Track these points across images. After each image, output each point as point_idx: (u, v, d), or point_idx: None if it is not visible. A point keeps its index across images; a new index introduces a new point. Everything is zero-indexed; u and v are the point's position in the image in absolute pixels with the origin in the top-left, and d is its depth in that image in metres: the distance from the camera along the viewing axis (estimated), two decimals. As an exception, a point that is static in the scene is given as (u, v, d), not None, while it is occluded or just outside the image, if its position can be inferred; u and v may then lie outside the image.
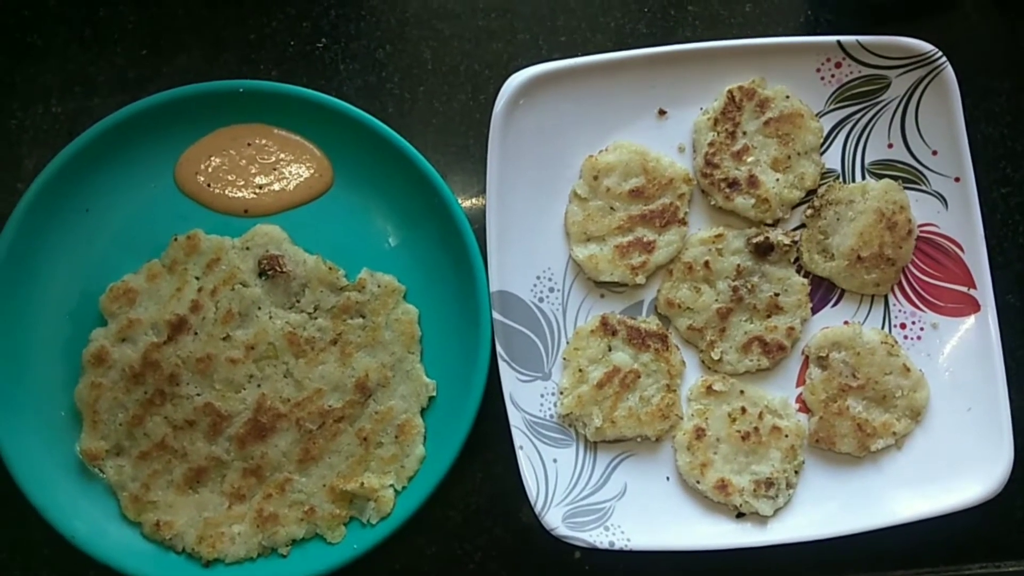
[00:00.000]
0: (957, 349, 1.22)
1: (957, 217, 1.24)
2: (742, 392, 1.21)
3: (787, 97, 1.26)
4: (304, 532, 1.20)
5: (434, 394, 1.23)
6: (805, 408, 1.23)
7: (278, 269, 1.24)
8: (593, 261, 1.25)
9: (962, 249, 1.24)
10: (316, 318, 1.23)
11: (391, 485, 1.20)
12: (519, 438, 1.20)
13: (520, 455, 1.19)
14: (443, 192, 1.23)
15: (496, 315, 1.22)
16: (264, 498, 1.21)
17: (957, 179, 1.24)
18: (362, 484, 1.20)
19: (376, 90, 1.34)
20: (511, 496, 1.22)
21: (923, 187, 1.28)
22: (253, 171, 1.29)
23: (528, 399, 1.22)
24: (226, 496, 1.22)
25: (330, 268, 1.25)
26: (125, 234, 1.27)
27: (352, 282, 1.24)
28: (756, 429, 1.20)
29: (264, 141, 1.28)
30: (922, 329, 1.25)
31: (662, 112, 1.27)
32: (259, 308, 1.24)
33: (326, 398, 1.21)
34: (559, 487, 1.20)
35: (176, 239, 1.26)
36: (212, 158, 1.29)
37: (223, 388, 1.23)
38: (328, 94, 1.25)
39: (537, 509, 1.17)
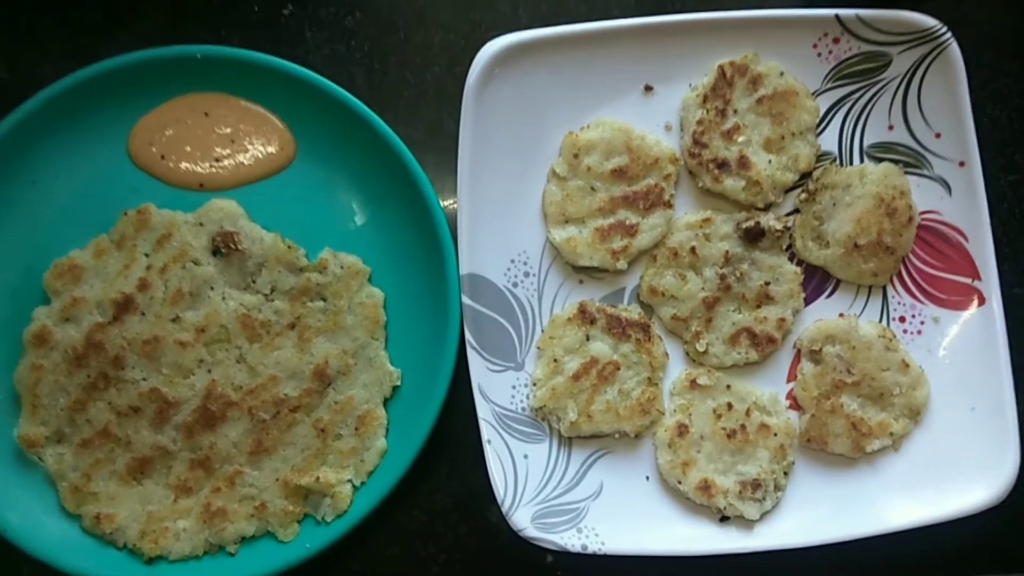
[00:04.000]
0: (960, 344, 1.18)
1: (961, 204, 1.19)
2: (728, 387, 1.17)
3: (781, 74, 1.21)
4: (254, 529, 1.15)
5: (398, 383, 1.18)
6: (796, 405, 1.19)
7: (233, 247, 1.17)
8: (572, 244, 1.18)
9: (966, 238, 1.19)
10: (273, 300, 1.17)
11: (349, 480, 1.15)
12: (487, 431, 1.13)
13: (488, 450, 1.12)
14: (412, 169, 1.17)
15: (466, 300, 1.15)
16: (212, 492, 1.15)
17: (962, 163, 1.19)
18: (318, 479, 1.14)
19: (344, 60, 1.27)
20: (479, 495, 1.16)
21: (925, 172, 1.21)
22: (210, 143, 1.23)
23: (498, 390, 1.16)
24: (172, 489, 1.15)
25: (289, 247, 1.19)
26: (73, 208, 1.21)
27: (313, 262, 1.19)
28: (743, 427, 1.15)
29: (223, 111, 1.22)
30: (922, 323, 1.20)
31: (648, 88, 1.21)
32: (211, 288, 1.18)
33: (281, 386, 1.16)
34: (529, 485, 1.13)
35: (126, 213, 1.20)
36: (167, 128, 1.22)
37: (171, 373, 1.16)
38: (293, 63, 1.20)
39: (504, 508, 1.10)
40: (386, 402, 1.17)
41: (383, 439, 1.16)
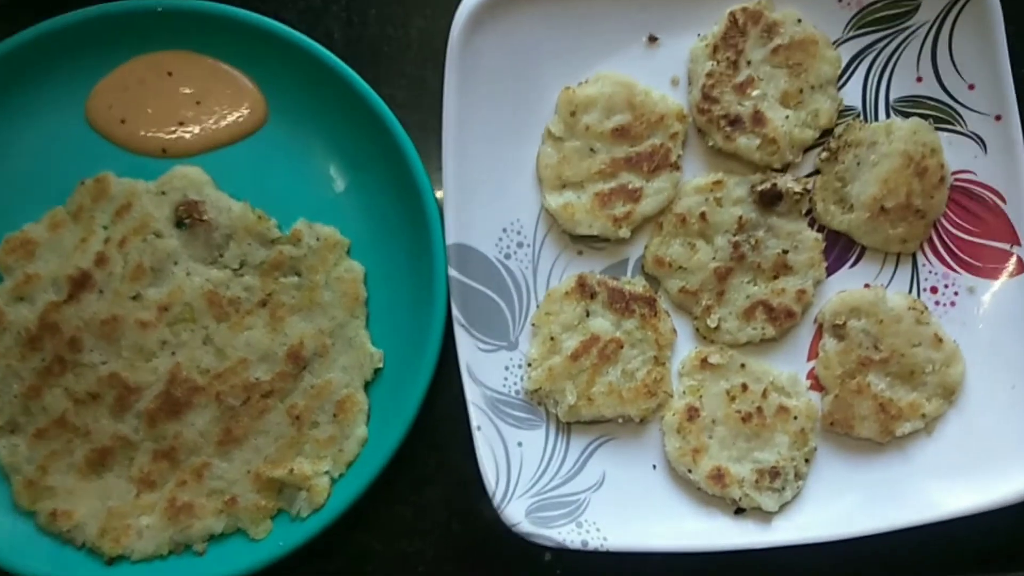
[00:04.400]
0: (997, 316, 1.11)
1: (998, 162, 1.12)
2: (743, 366, 1.10)
3: (799, 21, 1.13)
4: (223, 526, 1.08)
5: (380, 365, 1.11)
6: (818, 385, 1.12)
7: (198, 217, 1.09)
8: (569, 211, 1.11)
9: (1003, 199, 1.12)
10: (242, 275, 1.10)
11: (327, 472, 1.08)
12: (477, 417, 1.05)
13: (477, 437, 1.04)
14: (394, 131, 1.09)
15: (453, 273, 1.07)
16: (178, 485, 1.08)
17: (998, 117, 1.11)
18: (292, 470, 1.07)
19: (320, 14, 1.19)
20: (470, 486, 1.06)
21: (958, 127, 1.14)
22: (174, 105, 1.14)
23: (489, 372, 1.08)
24: (134, 482, 1.08)
25: (260, 217, 1.11)
26: (27, 178, 1.13)
27: (286, 233, 1.12)
28: (759, 409, 1.08)
29: (188, 71, 1.14)
30: (956, 293, 1.13)
31: (652, 39, 1.14)
32: (175, 263, 1.10)
33: (252, 369, 1.09)
34: (524, 475, 1.05)
35: (83, 183, 1.12)
36: (128, 90, 1.14)
37: (131, 356, 1.08)
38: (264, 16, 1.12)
39: (496, 501, 1.02)
40: (367, 386, 1.11)
41: (364, 426, 1.09)
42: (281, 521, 1.07)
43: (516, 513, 1.02)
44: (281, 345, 1.09)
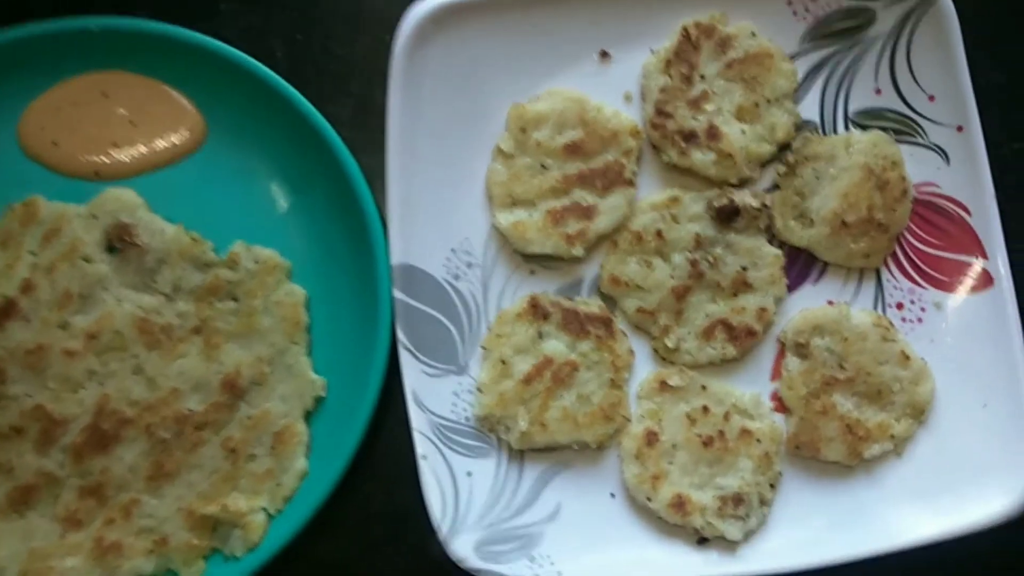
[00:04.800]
0: (966, 332, 1.08)
1: (961, 173, 1.09)
2: (703, 388, 1.07)
3: (753, 35, 1.11)
4: (153, 566, 1.02)
5: (323, 394, 1.06)
6: (782, 407, 1.09)
7: (129, 241, 1.05)
8: (520, 230, 1.08)
9: (968, 212, 1.09)
10: (175, 301, 1.06)
11: (263, 508, 1.03)
12: (423, 446, 1.01)
13: (423, 467, 1.00)
14: (337, 150, 1.06)
15: (398, 294, 1.04)
16: (105, 524, 1.02)
17: (959, 128, 1.09)
18: (226, 507, 1.02)
19: (262, 32, 1.15)
20: (418, 521, 1.01)
21: (919, 139, 1.12)
22: (109, 126, 1.10)
23: (437, 398, 1.04)
24: (59, 521, 1.02)
25: (194, 240, 1.07)
26: None
27: (222, 257, 1.07)
28: (721, 433, 1.05)
29: (123, 91, 1.10)
30: (923, 309, 1.10)
31: (605, 54, 1.12)
32: (104, 289, 1.05)
33: (185, 400, 1.04)
34: (473, 507, 1.01)
35: (11, 207, 1.07)
36: (61, 111, 1.10)
37: (57, 387, 1.03)
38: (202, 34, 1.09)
39: (441, 535, 0.98)
40: (308, 416, 1.06)
41: (303, 459, 1.04)
42: (215, 561, 1.02)
43: (464, 547, 0.96)
44: (216, 374, 1.04)
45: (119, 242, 1.04)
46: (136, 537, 1.01)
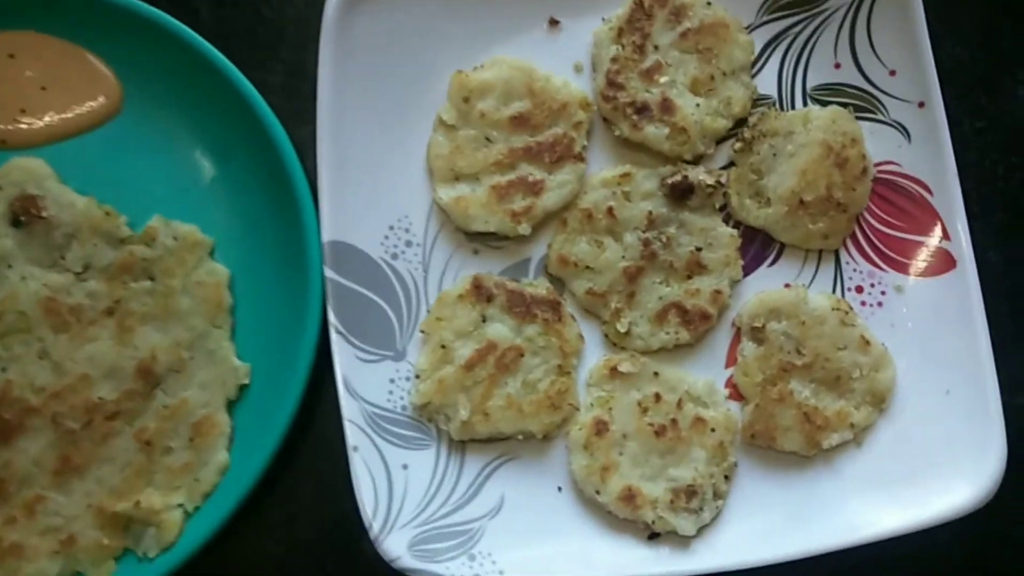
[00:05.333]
0: (929, 316, 1.05)
1: (922, 151, 1.06)
2: (656, 374, 1.03)
3: (708, 4, 1.07)
4: (59, 569, 0.96)
5: (246, 381, 1.01)
6: (737, 394, 1.05)
7: (35, 214, 0.99)
8: (463, 205, 1.03)
9: (930, 191, 1.06)
10: (86, 280, 1.00)
11: (180, 505, 0.98)
12: (354, 436, 0.95)
13: (354, 459, 0.94)
14: (265, 118, 1.00)
15: (330, 274, 0.98)
16: (6, 523, 0.96)
17: (921, 104, 1.06)
18: (139, 504, 0.96)
19: None
20: (351, 518, 0.95)
21: (879, 116, 1.08)
22: (17, 91, 1.04)
23: (371, 385, 0.98)
24: None
25: (107, 213, 1.01)
26: None
27: (138, 232, 1.02)
28: (674, 422, 1.01)
29: (33, 53, 1.04)
30: (883, 292, 1.07)
31: (554, 21, 1.08)
32: (8, 266, 0.99)
33: (96, 387, 0.98)
34: (408, 502, 0.95)
35: None
36: None
37: None
38: (121, -5, 1.04)
39: (373, 532, 0.92)
40: (230, 406, 1.01)
41: (224, 452, 0.99)
42: (127, 562, 0.97)
43: (397, 546, 0.91)
44: (130, 359, 0.98)
45: (25, 215, 0.98)
46: (40, 537, 0.95)
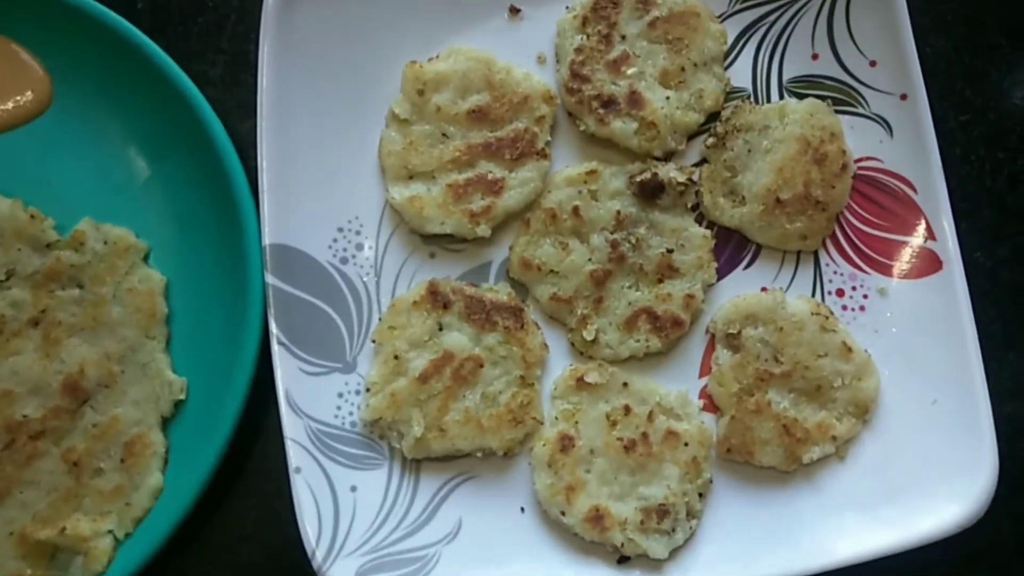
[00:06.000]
0: (914, 321, 1.01)
1: (905, 146, 1.03)
2: (625, 385, 0.98)
3: None
4: None
5: (182, 397, 0.97)
6: (712, 406, 1.01)
7: None
8: (417, 205, 0.98)
9: (914, 188, 1.02)
10: (9, 288, 0.96)
11: (109, 531, 0.93)
12: (298, 457, 0.89)
13: (297, 481, 0.88)
14: (201, 113, 0.97)
15: (272, 280, 0.93)
16: None
17: (904, 97, 1.03)
18: (65, 530, 0.91)
19: None
20: (296, 545, 0.88)
21: (859, 109, 1.04)
22: None
23: (317, 400, 0.93)
24: None
25: (33, 216, 0.96)
26: None
27: (65, 237, 0.97)
28: (645, 436, 0.96)
29: None
30: (866, 296, 1.03)
31: (514, 10, 1.05)
32: None
33: (19, 405, 0.94)
34: (356, 527, 0.90)
35: None
36: None
37: None
38: (52, -16, 1.00)
39: (316, 562, 0.86)
40: (165, 424, 0.96)
41: (158, 473, 0.94)
42: None
43: (343, 575, 0.84)
44: (56, 374, 0.94)
45: None
46: None
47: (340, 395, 0.93)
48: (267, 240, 0.91)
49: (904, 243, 1.01)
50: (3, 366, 0.91)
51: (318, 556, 0.85)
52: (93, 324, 0.93)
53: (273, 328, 0.90)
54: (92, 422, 0.92)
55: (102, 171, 0.98)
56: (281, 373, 0.90)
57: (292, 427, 0.89)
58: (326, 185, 0.96)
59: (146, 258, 0.97)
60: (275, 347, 0.89)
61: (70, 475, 0.91)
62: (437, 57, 1.00)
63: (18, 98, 0.97)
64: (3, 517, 0.90)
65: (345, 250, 0.96)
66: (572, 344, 0.99)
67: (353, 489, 0.90)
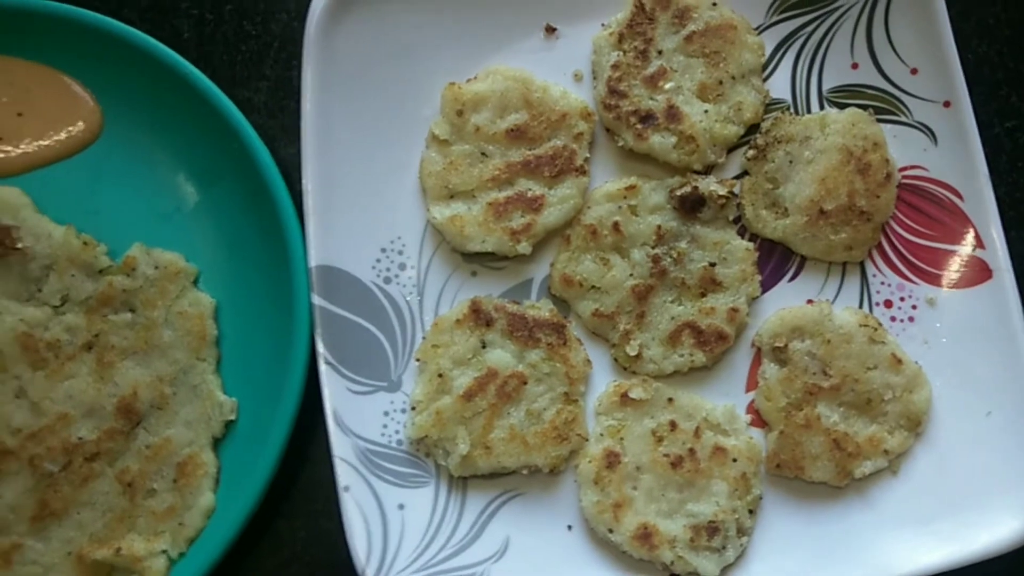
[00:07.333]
0: (964, 331, 0.99)
1: (950, 154, 1.01)
2: (671, 400, 0.97)
3: (714, 5, 1.03)
4: None
5: (233, 417, 0.97)
6: (760, 420, 1.00)
7: (10, 245, 0.95)
8: (458, 224, 0.98)
9: (960, 196, 1.01)
10: (64, 313, 0.97)
11: (163, 551, 0.93)
12: (346, 476, 0.89)
13: (346, 500, 0.89)
14: (248, 139, 0.97)
15: (319, 301, 0.93)
16: None
17: (947, 103, 1.01)
18: (120, 551, 0.91)
19: (167, 11, 1.07)
20: (345, 564, 0.89)
21: (902, 118, 1.03)
22: None
23: (364, 419, 0.93)
24: None
25: (86, 243, 0.97)
26: None
27: (117, 262, 0.98)
28: (692, 452, 0.95)
29: (8, 78, 1.02)
30: (914, 307, 1.01)
31: (550, 29, 1.05)
32: None
33: (75, 427, 0.94)
34: (405, 546, 0.90)
35: None
36: None
37: None
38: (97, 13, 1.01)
39: None
40: (216, 444, 0.97)
41: (210, 493, 0.94)
42: None
43: None
44: (110, 396, 0.94)
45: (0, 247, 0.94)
46: None
47: (386, 413, 0.93)
48: (313, 262, 0.92)
49: (952, 252, 0.99)
50: (59, 389, 0.92)
51: (368, 573, 0.85)
52: (145, 347, 0.94)
53: (320, 348, 0.90)
54: (145, 443, 0.93)
55: (152, 198, 0.99)
56: (329, 392, 0.90)
57: (340, 446, 0.89)
58: (369, 206, 0.97)
59: (196, 282, 0.98)
60: (322, 367, 0.90)
61: (124, 496, 0.92)
62: (475, 78, 1.01)
63: (70, 128, 0.99)
64: (61, 537, 0.90)
65: (388, 270, 0.97)
66: (615, 360, 0.98)
67: (401, 507, 0.90)
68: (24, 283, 0.94)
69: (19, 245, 0.94)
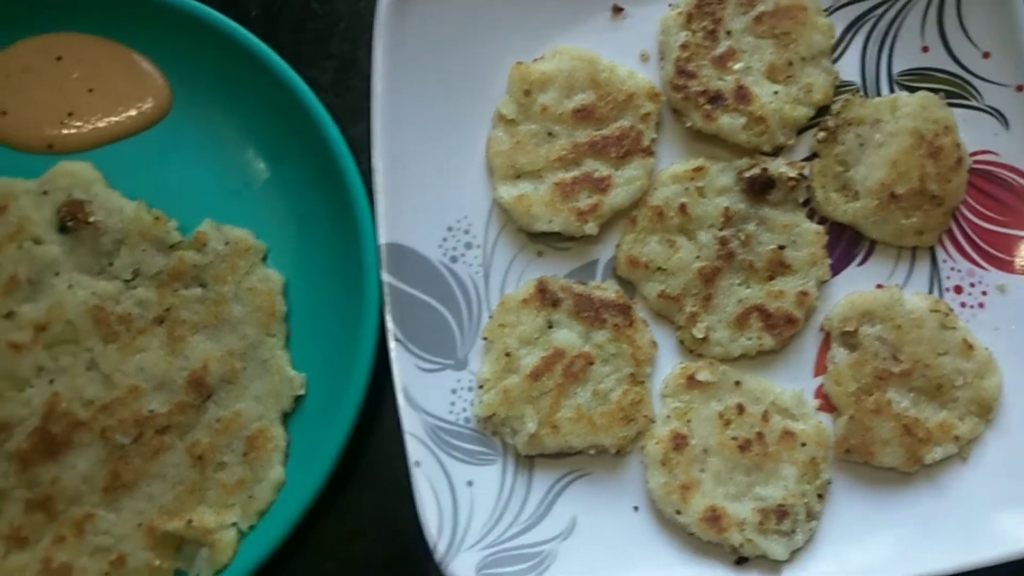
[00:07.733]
0: None
1: (1022, 139, 1.00)
2: (738, 384, 0.96)
3: None
4: None
5: (302, 392, 0.97)
6: (829, 405, 0.98)
7: (83, 219, 0.96)
8: (525, 204, 0.98)
9: None
10: (135, 287, 0.97)
11: (234, 524, 0.93)
12: (416, 451, 0.89)
13: (416, 475, 0.89)
14: (318, 118, 0.97)
15: (388, 278, 0.93)
16: (55, 543, 0.92)
17: (1020, 88, 1.00)
18: (191, 522, 0.92)
19: None
20: (411, 538, 0.90)
21: (973, 102, 1.02)
22: (64, 94, 1.02)
23: (433, 396, 0.93)
24: (2, 539, 0.92)
25: (157, 218, 0.98)
26: None
27: (188, 238, 0.99)
28: (760, 436, 0.94)
29: (79, 55, 1.03)
30: (984, 293, 1.00)
31: (617, 9, 1.05)
32: (56, 274, 0.96)
33: (146, 400, 0.95)
34: (475, 522, 0.90)
35: None
36: (10, 78, 1.02)
37: (1, 385, 0.93)
38: (169, -7, 1.02)
39: (438, 555, 0.86)
40: (285, 418, 0.96)
41: (280, 467, 0.94)
42: None
43: (464, 569, 0.86)
44: (181, 370, 0.94)
45: (72, 221, 0.96)
46: (89, 557, 0.91)
47: (453, 391, 0.93)
48: (382, 239, 0.92)
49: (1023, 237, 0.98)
50: (130, 363, 0.93)
51: (440, 549, 0.85)
52: (215, 322, 0.94)
53: (390, 325, 0.90)
54: (215, 417, 0.93)
55: (221, 175, 1.00)
56: (398, 369, 0.90)
57: (410, 422, 0.89)
58: (436, 185, 0.97)
59: (265, 258, 0.98)
60: (392, 344, 0.90)
61: (195, 468, 0.92)
62: (542, 57, 1.00)
63: (140, 105, 1.00)
64: (132, 508, 0.91)
65: (455, 248, 0.96)
66: (681, 342, 0.97)
67: (470, 484, 0.90)
68: (96, 257, 0.95)
69: (91, 219, 0.94)
